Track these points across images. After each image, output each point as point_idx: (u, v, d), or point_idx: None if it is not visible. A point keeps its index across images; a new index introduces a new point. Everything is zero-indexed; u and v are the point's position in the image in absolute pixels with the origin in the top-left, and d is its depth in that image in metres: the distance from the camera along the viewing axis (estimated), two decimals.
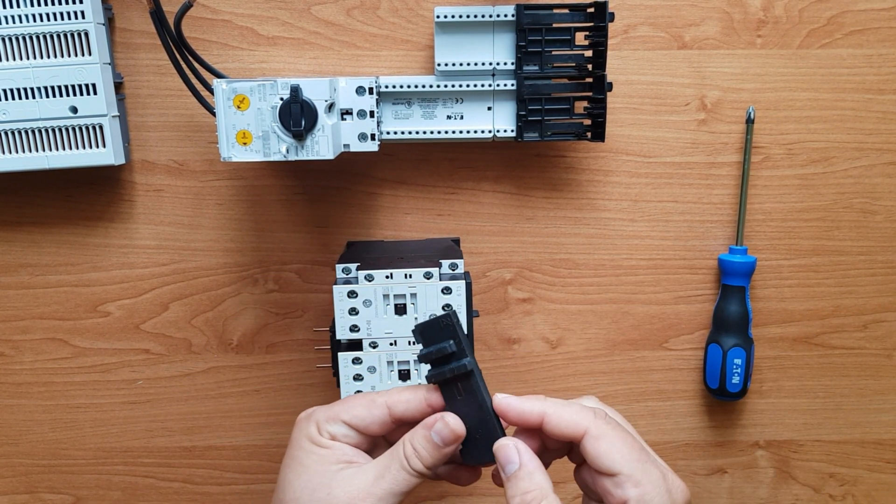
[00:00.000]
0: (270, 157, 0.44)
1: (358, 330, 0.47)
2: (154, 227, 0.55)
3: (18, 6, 0.48)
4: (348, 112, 0.47)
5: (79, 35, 0.49)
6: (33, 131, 0.50)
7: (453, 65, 0.50)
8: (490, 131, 0.51)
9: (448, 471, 0.40)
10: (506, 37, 0.50)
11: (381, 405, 0.38)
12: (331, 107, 0.44)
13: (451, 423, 0.37)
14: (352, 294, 0.47)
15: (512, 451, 0.36)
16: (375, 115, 0.47)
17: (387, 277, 0.47)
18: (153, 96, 0.53)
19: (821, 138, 0.54)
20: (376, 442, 0.41)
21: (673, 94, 0.54)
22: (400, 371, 0.48)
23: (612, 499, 0.35)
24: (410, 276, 0.47)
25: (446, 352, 0.37)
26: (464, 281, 0.47)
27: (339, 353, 0.47)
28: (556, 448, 0.39)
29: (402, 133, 0.51)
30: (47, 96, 0.49)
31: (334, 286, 0.47)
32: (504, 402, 0.37)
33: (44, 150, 0.50)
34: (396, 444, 0.38)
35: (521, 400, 0.37)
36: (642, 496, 0.34)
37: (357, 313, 0.47)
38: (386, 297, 0.47)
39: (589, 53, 0.50)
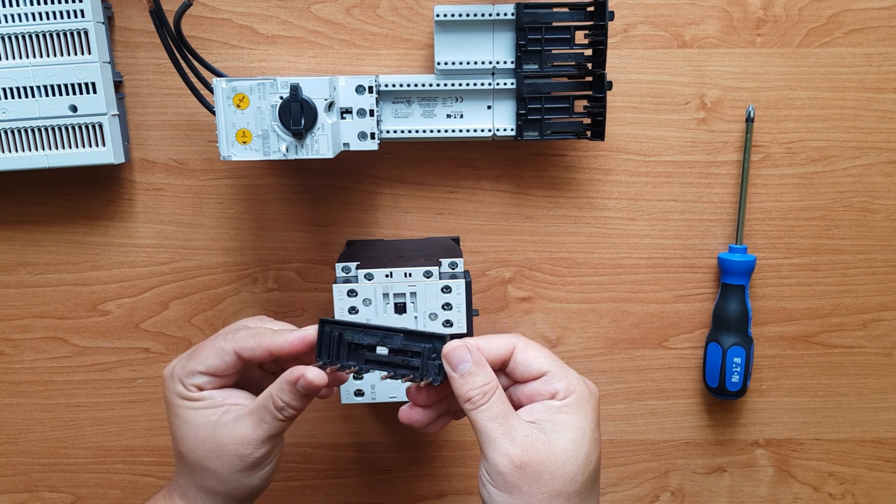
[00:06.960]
0: (270, 156, 0.44)
1: None
2: (154, 225, 0.55)
3: (18, 5, 0.48)
4: (348, 111, 0.47)
5: (78, 34, 0.49)
6: (33, 130, 0.50)
7: (453, 63, 0.50)
8: (490, 130, 0.51)
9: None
10: (505, 35, 0.50)
11: (230, 353, 0.42)
12: (330, 105, 0.44)
13: (313, 379, 0.39)
14: (351, 293, 0.47)
15: (464, 351, 0.39)
16: (375, 113, 0.47)
17: (386, 276, 0.47)
18: (153, 95, 0.53)
19: (820, 137, 0.54)
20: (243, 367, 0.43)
21: (673, 92, 0.54)
22: None
23: (541, 396, 0.40)
24: (410, 274, 0.47)
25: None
26: (463, 280, 0.47)
27: None
28: None
29: (402, 132, 0.51)
30: (47, 95, 0.49)
31: (334, 285, 0.47)
32: (447, 349, 0.39)
33: (43, 148, 0.50)
34: (265, 395, 0.41)
35: (458, 343, 0.40)
36: (568, 386, 0.40)
37: (357, 312, 0.47)
38: (386, 295, 0.47)
39: (589, 52, 0.50)
